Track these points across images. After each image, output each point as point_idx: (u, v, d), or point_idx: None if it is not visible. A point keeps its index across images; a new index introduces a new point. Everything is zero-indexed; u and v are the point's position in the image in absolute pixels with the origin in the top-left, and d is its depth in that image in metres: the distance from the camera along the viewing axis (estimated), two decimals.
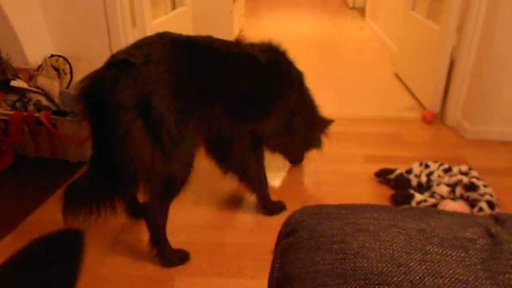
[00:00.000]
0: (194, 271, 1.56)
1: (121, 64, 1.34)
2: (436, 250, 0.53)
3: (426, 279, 0.50)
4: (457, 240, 0.55)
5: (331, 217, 0.57)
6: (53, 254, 0.58)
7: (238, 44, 1.66)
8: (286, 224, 0.61)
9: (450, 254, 0.53)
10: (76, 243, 0.63)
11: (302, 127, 1.91)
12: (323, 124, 2.04)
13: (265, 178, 1.84)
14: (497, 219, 0.61)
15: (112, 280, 1.51)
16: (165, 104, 1.35)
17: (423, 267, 0.51)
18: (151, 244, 1.55)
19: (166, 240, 1.57)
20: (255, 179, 1.81)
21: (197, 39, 1.55)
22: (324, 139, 2.07)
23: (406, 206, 0.54)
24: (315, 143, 2.05)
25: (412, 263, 0.51)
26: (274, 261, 0.60)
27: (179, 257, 1.59)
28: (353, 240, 0.54)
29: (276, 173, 2.16)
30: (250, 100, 1.64)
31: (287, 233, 0.60)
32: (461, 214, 0.62)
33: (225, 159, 1.81)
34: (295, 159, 2.23)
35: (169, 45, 1.43)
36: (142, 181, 1.47)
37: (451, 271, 0.51)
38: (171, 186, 1.49)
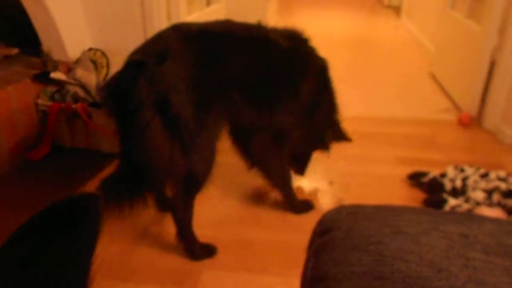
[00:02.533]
0: (221, 265, 1.56)
1: (137, 65, 1.36)
2: (479, 256, 0.51)
3: (468, 286, 0.48)
4: (500, 247, 0.53)
5: (369, 218, 0.56)
6: (71, 216, 0.59)
7: (259, 27, 1.61)
8: (321, 222, 0.60)
9: (494, 261, 0.51)
10: (95, 206, 0.63)
11: (322, 124, 1.82)
12: (339, 134, 1.91)
13: (289, 176, 1.82)
14: None
15: (140, 270, 1.54)
16: (182, 99, 1.36)
17: (465, 273, 0.49)
18: (178, 238, 1.58)
19: (192, 234, 1.59)
20: (277, 177, 1.79)
21: (214, 27, 1.53)
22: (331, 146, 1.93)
23: (446, 210, 0.52)
24: (322, 146, 1.92)
25: (454, 269, 0.49)
26: (307, 260, 0.59)
27: (206, 251, 1.60)
28: (391, 242, 0.52)
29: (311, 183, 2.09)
30: (268, 87, 1.59)
31: (322, 232, 0.59)
32: (505, 221, 0.59)
33: (248, 154, 1.79)
34: (299, 168, 2.04)
35: (183, 38, 1.43)
36: (163, 176, 1.49)
37: (494, 279, 0.48)
38: (193, 180, 1.50)
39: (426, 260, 0.50)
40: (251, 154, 1.77)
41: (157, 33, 1.50)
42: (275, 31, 1.64)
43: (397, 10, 6.44)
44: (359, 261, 0.52)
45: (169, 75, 1.35)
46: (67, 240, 0.60)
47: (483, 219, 0.61)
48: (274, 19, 4.77)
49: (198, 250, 1.60)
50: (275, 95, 1.63)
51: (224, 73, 1.47)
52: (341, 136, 1.90)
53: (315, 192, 2.02)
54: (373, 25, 6.00)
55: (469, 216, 0.61)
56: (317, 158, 2.00)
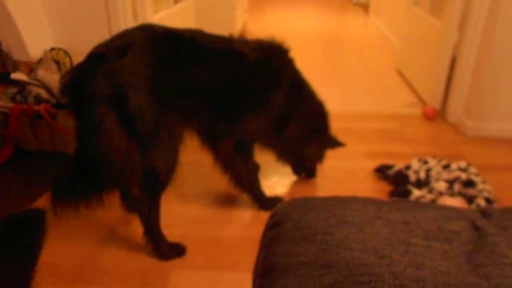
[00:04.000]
0: (190, 264, 1.56)
1: (98, 57, 1.34)
2: (420, 242, 0.53)
3: (408, 270, 0.49)
4: (441, 233, 0.55)
5: (317, 209, 0.57)
6: (16, 232, 0.59)
7: (227, 39, 1.62)
8: (272, 216, 0.61)
9: (434, 246, 0.53)
10: (39, 222, 0.64)
11: (294, 137, 1.83)
12: (329, 143, 1.96)
13: (256, 178, 1.82)
14: (484, 213, 0.61)
15: (108, 273, 1.52)
16: (140, 96, 1.34)
17: (406, 258, 0.51)
18: (146, 238, 1.56)
19: (160, 234, 1.57)
20: (244, 182, 1.80)
21: (182, 32, 1.52)
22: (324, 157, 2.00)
23: (393, 199, 0.54)
24: (312, 157, 1.98)
25: (395, 255, 0.51)
26: (259, 253, 0.60)
27: (175, 251, 1.59)
28: (337, 231, 0.53)
29: (283, 179, 2.12)
30: (231, 97, 1.59)
31: (273, 225, 0.60)
32: (448, 207, 0.62)
33: (215, 159, 1.77)
34: (300, 171, 2.10)
35: (148, 37, 1.42)
36: (119, 173, 1.43)
37: (433, 263, 0.50)
38: (155, 179, 1.47)
39: (369, 247, 0.52)
40: (217, 160, 1.75)
41: (124, 30, 1.48)
42: (245, 43, 1.64)
43: (365, 7, 6.57)
44: (306, 251, 0.53)
45: (127, 70, 1.33)
46: (11, 252, 0.60)
47: (427, 206, 0.63)
48: (243, 18, 4.78)
49: (167, 250, 1.58)
50: (237, 107, 1.62)
51: (185, 78, 1.46)
52: (331, 144, 1.96)
53: (285, 187, 2.04)
54: (342, 22, 6.09)
55: (414, 204, 0.63)
56: None
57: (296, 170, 2.09)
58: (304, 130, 1.85)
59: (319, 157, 2.00)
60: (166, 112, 1.42)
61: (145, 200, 1.51)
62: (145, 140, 1.38)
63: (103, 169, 1.40)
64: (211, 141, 1.71)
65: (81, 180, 1.46)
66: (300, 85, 1.81)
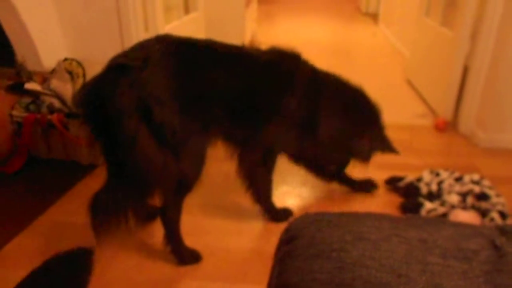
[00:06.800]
0: (200, 275, 1.55)
1: (119, 68, 1.34)
2: (437, 261, 0.52)
3: None
4: (459, 251, 0.54)
5: (332, 225, 0.57)
6: (64, 270, 0.61)
7: (239, 47, 1.64)
8: (286, 231, 0.60)
9: (452, 265, 0.52)
10: (86, 260, 0.67)
11: (334, 135, 1.75)
12: (382, 143, 1.87)
13: (270, 191, 1.82)
14: (503, 230, 0.60)
15: (116, 284, 1.51)
16: (165, 106, 1.35)
17: (424, 278, 0.50)
18: (166, 242, 1.57)
19: (180, 238, 1.59)
20: (261, 194, 1.79)
21: (196, 41, 1.55)
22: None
23: (409, 215, 0.53)
24: (362, 153, 1.86)
25: (413, 274, 0.50)
26: (273, 268, 0.59)
27: (193, 256, 1.60)
28: (353, 248, 0.53)
29: (292, 189, 2.08)
30: (245, 101, 1.57)
31: (287, 240, 0.59)
32: (465, 225, 0.60)
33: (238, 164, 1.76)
34: (336, 176, 2.00)
35: (166, 48, 1.43)
36: (157, 183, 1.48)
37: (452, 283, 0.49)
38: (184, 184, 1.50)
39: (386, 266, 0.51)
40: (240, 168, 1.74)
41: (139, 42, 1.49)
42: (257, 49, 1.65)
43: (374, 17, 6.57)
44: (321, 269, 0.53)
45: (150, 81, 1.34)
46: None
47: (444, 223, 0.62)
48: (252, 28, 4.81)
49: (185, 254, 1.59)
50: (257, 109, 1.60)
51: (203, 85, 1.47)
52: (381, 147, 1.87)
53: (294, 199, 2.03)
54: (351, 32, 6.10)
55: (431, 221, 0.62)
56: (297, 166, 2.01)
57: (331, 176, 1.98)
58: (346, 124, 1.77)
59: (367, 156, 1.87)
60: (190, 120, 1.43)
61: (170, 203, 1.53)
62: (177, 148, 1.40)
63: (144, 182, 1.43)
64: (235, 148, 1.70)
65: (120, 193, 1.44)
66: (321, 81, 1.74)
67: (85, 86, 1.41)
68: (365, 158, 1.87)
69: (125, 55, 1.42)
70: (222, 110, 1.52)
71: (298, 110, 1.65)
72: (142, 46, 1.45)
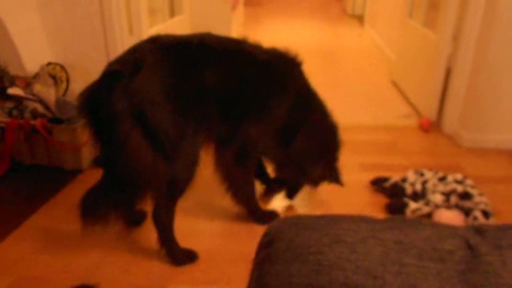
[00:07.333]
0: (186, 279, 1.55)
1: (113, 75, 1.37)
2: (413, 262, 0.53)
3: None
4: (435, 252, 0.54)
5: (309, 228, 0.57)
6: None
7: (239, 41, 1.62)
8: (265, 235, 0.60)
9: (428, 266, 0.52)
10: None
11: (302, 154, 1.76)
12: (331, 174, 1.86)
13: (253, 192, 1.81)
14: (478, 230, 0.61)
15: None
16: (159, 109, 1.38)
17: (399, 279, 0.50)
18: (160, 244, 1.58)
19: (174, 240, 1.60)
20: (242, 195, 1.78)
21: (190, 39, 1.54)
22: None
23: (388, 217, 0.54)
24: (316, 178, 1.87)
25: (388, 276, 0.51)
26: (252, 272, 0.59)
27: (188, 256, 1.61)
28: (330, 251, 0.53)
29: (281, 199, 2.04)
30: (234, 100, 1.58)
31: (265, 244, 0.60)
32: (443, 225, 0.61)
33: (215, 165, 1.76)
34: (294, 192, 1.97)
35: (159, 49, 1.44)
36: (147, 185, 1.50)
37: (427, 284, 0.50)
38: (176, 186, 1.51)
39: (362, 268, 0.52)
40: (217, 169, 1.74)
41: (134, 45, 1.51)
42: (258, 47, 1.63)
43: (360, 19, 6.63)
44: (299, 272, 0.53)
45: (144, 86, 1.36)
46: None
47: (422, 224, 0.63)
48: (239, 31, 4.81)
49: (180, 255, 1.60)
50: (245, 108, 1.61)
51: (199, 83, 1.48)
52: (331, 177, 1.86)
53: (281, 202, 2.03)
54: (337, 34, 6.14)
55: (408, 222, 0.63)
56: None
57: (290, 190, 1.96)
58: (313, 149, 1.79)
59: (318, 182, 1.90)
60: (185, 121, 1.45)
61: (162, 205, 1.54)
62: (169, 151, 1.42)
63: (133, 182, 1.45)
64: (215, 148, 1.71)
65: (111, 193, 1.50)
66: (310, 99, 1.76)
67: (83, 92, 1.42)
68: (315, 183, 1.90)
69: (118, 60, 1.44)
70: (214, 108, 1.53)
71: (283, 117, 1.66)
72: (135, 49, 1.47)
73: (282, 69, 1.66)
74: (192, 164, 1.52)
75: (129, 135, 1.34)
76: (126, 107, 1.33)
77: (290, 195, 1.95)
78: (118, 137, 1.34)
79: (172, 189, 1.51)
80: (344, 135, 2.70)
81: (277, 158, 1.80)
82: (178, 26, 3.34)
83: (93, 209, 1.49)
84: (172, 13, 3.40)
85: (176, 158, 1.45)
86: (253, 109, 1.62)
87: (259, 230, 1.77)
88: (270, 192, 2.03)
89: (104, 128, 1.39)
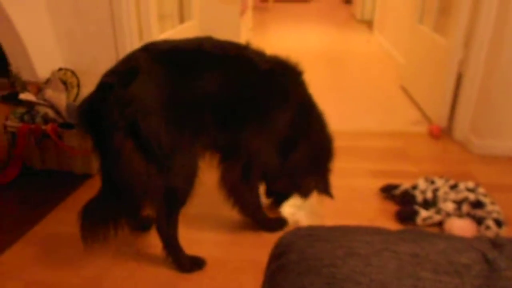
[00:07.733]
0: (195, 286, 1.54)
1: (106, 86, 1.36)
2: (429, 276, 0.51)
3: None
4: (451, 266, 0.53)
5: (322, 240, 0.56)
6: None
7: (240, 47, 1.57)
8: (277, 246, 0.60)
9: (444, 280, 0.51)
10: None
11: (298, 166, 1.73)
12: (322, 185, 1.81)
13: (259, 204, 1.79)
14: (495, 244, 0.60)
15: None
16: (152, 120, 1.35)
17: None
18: (166, 253, 1.58)
19: (179, 248, 1.59)
20: (248, 208, 1.76)
21: (186, 45, 1.51)
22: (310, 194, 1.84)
23: (401, 229, 0.52)
24: (307, 190, 1.83)
25: None
26: (263, 283, 0.59)
27: (196, 263, 1.61)
28: (344, 264, 0.52)
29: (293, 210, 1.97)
30: (234, 109, 1.54)
31: (277, 255, 0.59)
32: (458, 238, 0.60)
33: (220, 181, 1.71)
34: (276, 201, 1.95)
35: (152, 58, 1.41)
36: (142, 196, 1.47)
37: None
38: (174, 198, 1.49)
39: (376, 281, 0.51)
40: (222, 184, 1.69)
41: (128, 53, 1.49)
42: (260, 54, 1.59)
43: (369, 24, 6.61)
44: (312, 285, 0.52)
45: (137, 96, 1.34)
46: None
47: (436, 237, 0.62)
48: (248, 36, 4.82)
49: (187, 263, 1.59)
50: (245, 117, 1.56)
51: (194, 92, 1.44)
52: (323, 189, 1.82)
53: (289, 208, 2.02)
54: (346, 39, 6.13)
55: (422, 235, 0.62)
56: None
57: (279, 199, 1.93)
58: (310, 160, 1.75)
59: (308, 193, 1.85)
60: (180, 131, 1.42)
61: (163, 218, 1.53)
62: (163, 162, 1.40)
63: (127, 194, 1.44)
64: (218, 163, 1.68)
65: (110, 203, 1.49)
66: (311, 110, 1.73)
67: (81, 103, 1.43)
68: (306, 194, 1.85)
69: (113, 70, 1.43)
70: (212, 117, 1.49)
71: (284, 128, 1.63)
72: (129, 59, 1.45)
73: (285, 78, 1.62)
74: (190, 175, 1.49)
75: (122, 146, 1.34)
76: (118, 118, 1.32)
77: (278, 203, 1.91)
78: (112, 148, 1.35)
79: (171, 201, 1.49)
80: (353, 141, 2.70)
81: (273, 170, 1.73)
82: (188, 31, 3.36)
83: (91, 219, 1.49)
84: (182, 19, 3.42)
85: (172, 169, 1.42)
86: (254, 119, 1.58)
87: (267, 238, 1.78)
88: (277, 203, 2.00)
89: (100, 139, 1.40)
